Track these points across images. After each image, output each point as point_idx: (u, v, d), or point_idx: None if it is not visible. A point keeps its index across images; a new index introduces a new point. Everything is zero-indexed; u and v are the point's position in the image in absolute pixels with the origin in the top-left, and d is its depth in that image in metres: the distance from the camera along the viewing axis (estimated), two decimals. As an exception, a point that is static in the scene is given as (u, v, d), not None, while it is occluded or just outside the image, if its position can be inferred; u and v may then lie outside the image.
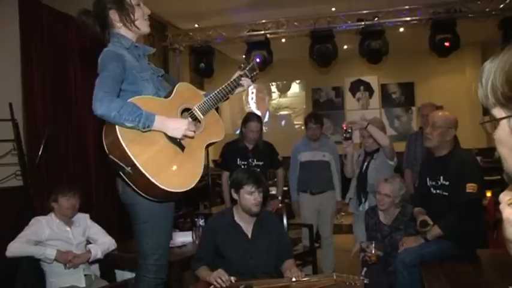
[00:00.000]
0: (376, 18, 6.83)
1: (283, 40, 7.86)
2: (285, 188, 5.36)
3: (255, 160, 4.41)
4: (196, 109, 2.24)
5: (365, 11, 6.89)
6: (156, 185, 1.97)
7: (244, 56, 7.44)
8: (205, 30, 7.70)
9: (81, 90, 5.10)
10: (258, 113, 9.77)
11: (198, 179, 2.13)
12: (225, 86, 2.39)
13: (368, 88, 10.50)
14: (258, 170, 4.05)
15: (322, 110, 10.02)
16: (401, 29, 7.48)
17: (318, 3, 7.14)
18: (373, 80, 10.44)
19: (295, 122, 10.99)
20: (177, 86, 2.22)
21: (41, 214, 3.40)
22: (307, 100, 10.85)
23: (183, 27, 8.03)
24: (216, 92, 2.34)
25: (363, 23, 6.87)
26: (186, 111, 2.21)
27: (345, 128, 3.62)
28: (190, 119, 2.10)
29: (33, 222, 3.28)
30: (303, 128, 5.36)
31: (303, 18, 7.15)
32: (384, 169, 3.77)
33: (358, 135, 4.00)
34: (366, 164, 3.88)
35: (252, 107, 11.23)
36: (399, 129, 10.23)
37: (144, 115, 1.92)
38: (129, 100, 1.98)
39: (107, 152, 1.99)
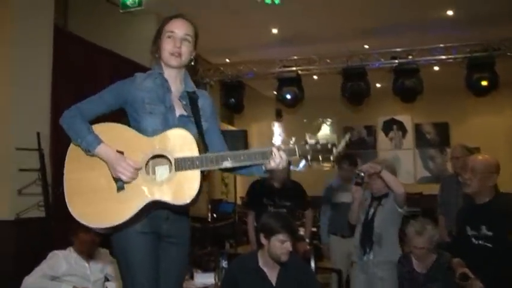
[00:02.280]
0: (410, 56, 6.75)
1: (315, 77, 7.90)
2: (313, 229, 5.27)
3: (282, 200, 4.32)
4: (172, 158, 1.89)
5: (398, 49, 6.85)
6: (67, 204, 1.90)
7: (275, 93, 7.40)
8: (236, 65, 7.78)
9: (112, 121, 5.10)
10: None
11: (111, 226, 1.88)
12: (238, 153, 1.92)
13: (401, 127, 10.39)
14: (285, 210, 4.13)
15: (354, 149, 9.82)
16: (436, 68, 7.35)
17: (351, 40, 7.15)
18: (406, 120, 10.32)
19: (326, 163, 10.80)
20: (171, 129, 1.94)
21: (62, 247, 3.32)
22: (339, 139, 10.65)
23: (214, 62, 8.13)
24: (221, 154, 1.91)
25: (396, 60, 6.82)
26: (162, 158, 1.94)
27: (358, 173, 3.47)
28: (137, 162, 1.87)
29: (50, 256, 3.21)
30: (335, 167, 5.23)
31: (335, 55, 7.15)
32: (393, 217, 3.54)
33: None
34: (372, 210, 3.64)
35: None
36: (433, 171, 10.01)
37: (87, 139, 1.88)
38: (95, 125, 1.95)
39: None
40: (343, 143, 2.10)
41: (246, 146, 6.92)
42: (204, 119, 2.09)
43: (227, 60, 8.14)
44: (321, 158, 2.07)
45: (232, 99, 7.73)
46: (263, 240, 2.74)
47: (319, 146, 2.07)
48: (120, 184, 1.88)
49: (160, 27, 2.11)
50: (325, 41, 7.23)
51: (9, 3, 4.21)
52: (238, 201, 7.73)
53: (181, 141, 1.91)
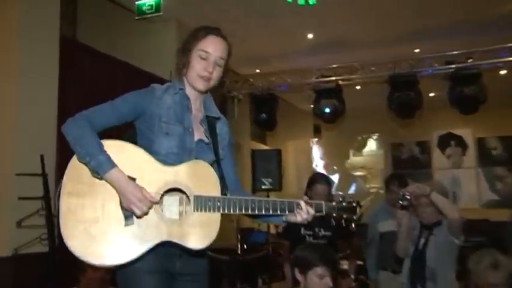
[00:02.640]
0: (469, 60, 6.55)
1: (358, 87, 7.82)
2: (359, 263, 5.18)
3: (322, 230, 4.19)
4: (193, 195, 1.87)
5: (455, 52, 6.66)
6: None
7: (312, 106, 7.35)
8: (267, 76, 7.75)
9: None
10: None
11: (110, 265, 1.82)
12: (262, 201, 1.96)
13: (460, 143, 10.24)
14: (326, 241, 4.01)
15: (404, 168, 9.90)
16: (503, 72, 7.11)
17: (398, 44, 7.11)
18: (466, 134, 10.16)
19: (372, 185, 10.84)
20: (193, 161, 1.93)
21: (67, 286, 3.28)
22: (386, 158, 10.70)
23: (243, 73, 8.17)
24: (245, 199, 1.94)
25: (453, 65, 6.63)
26: (178, 192, 1.91)
27: (403, 194, 3.33)
28: (154, 196, 1.83)
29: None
30: (381, 191, 5.07)
31: (381, 62, 7.04)
32: (448, 248, 3.37)
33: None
34: (423, 240, 3.52)
35: (320, 166, 10.95)
36: (502, 193, 9.77)
37: (98, 159, 1.80)
38: (103, 140, 1.87)
39: None
40: (365, 203, 2.21)
41: (279, 167, 6.90)
42: (221, 146, 2.12)
43: (257, 70, 8.19)
44: (345, 216, 2.17)
45: (264, 115, 7.70)
46: (298, 276, 2.71)
47: (344, 204, 2.14)
48: (130, 217, 1.83)
49: (191, 39, 2.08)
50: (368, 46, 7.21)
51: (13, 15, 4.27)
52: (272, 230, 7.61)
53: (204, 177, 1.91)
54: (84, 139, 1.82)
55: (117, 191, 1.82)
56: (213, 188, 1.90)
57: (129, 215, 1.82)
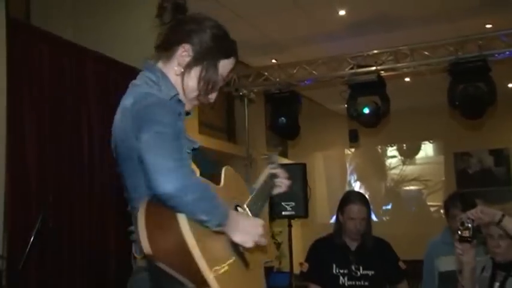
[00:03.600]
0: None
1: (407, 79, 7.97)
2: None
3: (360, 268, 4.22)
4: (247, 209, 2.32)
5: None
6: None
7: (346, 106, 7.36)
8: (287, 67, 7.71)
9: (98, 142, 5.16)
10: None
11: None
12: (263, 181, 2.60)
13: None
14: (367, 284, 4.12)
15: (473, 186, 9.86)
16: None
17: (462, 18, 7.04)
18: None
19: (429, 203, 10.92)
20: (224, 169, 2.25)
21: None
22: (448, 170, 10.68)
23: (255, 64, 8.26)
24: (260, 185, 2.55)
25: None
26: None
27: (461, 222, 3.34)
28: (262, 221, 2.16)
29: None
30: (441, 212, 5.05)
31: (438, 44, 6.95)
32: None
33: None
34: (497, 285, 3.48)
35: (358, 184, 11.02)
36: None
37: (222, 209, 1.97)
38: (202, 180, 2.03)
39: (151, 255, 1.90)
40: None
41: (304, 187, 6.85)
42: None
43: (274, 60, 8.20)
44: None
45: (283, 118, 7.65)
46: None
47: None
48: (244, 257, 2.13)
49: (216, 52, 2.21)
50: (420, 23, 7.22)
51: None
52: (296, 270, 7.53)
53: (238, 182, 2.38)
54: (206, 195, 1.96)
55: (232, 233, 2.01)
56: (245, 190, 2.42)
57: (241, 255, 2.11)
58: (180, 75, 2.19)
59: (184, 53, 2.17)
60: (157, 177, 1.87)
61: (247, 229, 2.03)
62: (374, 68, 7.12)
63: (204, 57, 2.18)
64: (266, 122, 8.26)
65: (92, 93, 5.26)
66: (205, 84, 2.19)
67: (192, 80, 2.18)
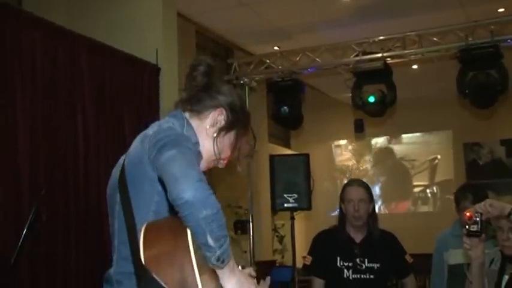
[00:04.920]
0: None
1: (414, 67, 7.95)
2: None
3: (366, 261, 4.20)
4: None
5: None
6: None
7: (351, 95, 7.37)
8: (290, 55, 7.72)
9: (94, 132, 5.13)
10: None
11: None
12: None
13: None
14: (372, 277, 4.12)
15: (484, 177, 9.81)
16: None
17: (472, 2, 7.02)
18: None
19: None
20: None
21: None
22: (457, 162, 10.57)
23: (256, 52, 8.26)
24: None
25: None
26: None
27: (469, 216, 3.29)
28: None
29: None
30: (452, 206, 5.07)
31: (447, 30, 6.94)
32: None
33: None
34: (506, 278, 3.49)
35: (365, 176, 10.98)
36: None
37: (228, 244, 1.98)
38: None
39: (147, 265, 1.96)
40: None
41: (308, 178, 6.85)
42: None
43: (276, 48, 8.14)
44: None
45: (286, 107, 7.66)
46: None
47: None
48: None
49: (241, 124, 2.37)
50: (428, 8, 7.16)
51: None
52: (299, 264, 7.57)
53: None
54: (219, 216, 1.96)
55: (226, 281, 1.99)
56: None
57: None
58: (210, 137, 2.32)
59: (219, 117, 2.31)
60: (183, 182, 1.92)
61: (242, 279, 2.04)
62: (380, 55, 7.10)
63: (235, 125, 2.34)
64: (268, 111, 8.25)
65: (87, 82, 5.20)
66: (232, 150, 2.36)
67: (220, 143, 2.32)
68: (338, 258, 4.21)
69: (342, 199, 4.34)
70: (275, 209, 6.69)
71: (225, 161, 2.40)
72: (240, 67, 7.85)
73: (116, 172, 2.25)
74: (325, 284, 4.28)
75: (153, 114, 5.58)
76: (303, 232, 8.32)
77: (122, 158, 2.27)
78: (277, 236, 9.66)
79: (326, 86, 9.31)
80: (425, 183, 11.12)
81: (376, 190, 11.00)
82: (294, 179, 6.71)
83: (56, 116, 4.93)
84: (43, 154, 4.76)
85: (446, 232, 4.76)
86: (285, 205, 6.62)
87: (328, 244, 4.34)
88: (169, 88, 5.82)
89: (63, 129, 4.98)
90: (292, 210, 6.69)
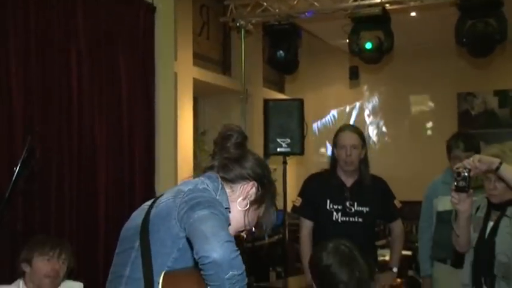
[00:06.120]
0: None
1: (413, 14, 7.90)
2: (407, 253, 5.41)
3: (355, 204, 4.28)
4: None
5: None
6: None
7: (348, 41, 7.35)
8: None
9: (89, 72, 5.08)
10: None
11: None
12: None
13: None
14: (361, 220, 4.21)
15: (476, 127, 9.79)
16: None
17: None
18: None
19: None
20: None
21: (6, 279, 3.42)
22: (450, 110, 10.59)
23: None
24: None
25: None
26: None
27: (457, 171, 3.37)
28: None
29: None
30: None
31: None
32: None
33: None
34: (491, 224, 3.58)
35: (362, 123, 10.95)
36: None
37: None
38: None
39: None
40: None
41: (301, 124, 6.86)
42: None
43: None
44: None
45: (281, 52, 7.67)
46: None
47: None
48: None
49: (267, 194, 2.43)
50: None
51: None
52: (290, 209, 7.71)
53: None
54: (242, 278, 2.00)
55: None
56: None
57: None
58: (242, 209, 2.35)
59: (251, 190, 2.35)
60: (212, 241, 1.94)
61: None
62: (379, 0, 7.09)
63: (265, 199, 2.39)
64: (264, 55, 8.22)
65: (81, 20, 5.08)
66: (261, 224, 2.44)
67: (250, 216, 2.36)
68: (328, 201, 4.28)
69: (335, 144, 4.35)
70: (268, 153, 6.73)
71: (240, 228, 2.40)
72: (237, 9, 7.83)
73: (137, 217, 2.27)
74: (314, 226, 4.36)
75: (148, 53, 5.55)
76: (294, 177, 8.35)
77: (147, 203, 2.29)
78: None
79: (323, 31, 9.16)
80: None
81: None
82: (287, 123, 6.72)
83: (49, 53, 4.86)
84: (37, 91, 4.71)
85: (437, 179, 4.83)
86: (278, 149, 6.64)
87: (319, 186, 4.42)
88: (165, 27, 5.74)
89: (56, 68, 4.90)
90: (284, 154, 6.73)
